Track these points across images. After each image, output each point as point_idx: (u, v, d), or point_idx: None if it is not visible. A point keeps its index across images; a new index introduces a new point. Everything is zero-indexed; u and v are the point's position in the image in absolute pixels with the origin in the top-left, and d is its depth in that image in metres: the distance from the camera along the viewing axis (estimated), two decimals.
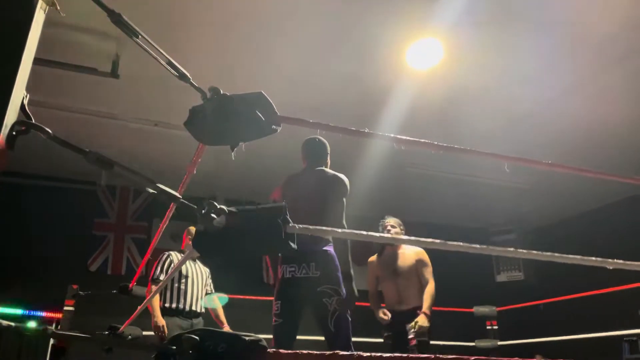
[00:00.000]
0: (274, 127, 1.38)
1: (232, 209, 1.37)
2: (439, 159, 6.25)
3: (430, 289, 3.71)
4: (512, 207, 7.80)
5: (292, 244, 1.38)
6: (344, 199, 2.67)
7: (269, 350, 1.29)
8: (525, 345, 5.63)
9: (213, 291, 4.23)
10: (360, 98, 4.95)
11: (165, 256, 4.00)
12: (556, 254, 1.42)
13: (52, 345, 4.35)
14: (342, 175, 2.75)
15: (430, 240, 1.39)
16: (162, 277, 3.78)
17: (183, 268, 3.84)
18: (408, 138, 1.49)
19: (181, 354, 1.14)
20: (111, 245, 7.11)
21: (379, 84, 4.71)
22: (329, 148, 2.97)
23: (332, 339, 2.35)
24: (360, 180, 6.60)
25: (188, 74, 1.34)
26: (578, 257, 1.43)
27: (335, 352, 1.20)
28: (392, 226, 4.02)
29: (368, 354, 1.25)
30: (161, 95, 4.87)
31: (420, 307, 3.66)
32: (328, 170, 2.83)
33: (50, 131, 0.99)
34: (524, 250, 1.47)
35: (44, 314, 5.54)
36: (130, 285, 3.73)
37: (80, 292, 4.52)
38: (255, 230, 1.34)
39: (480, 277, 8.15)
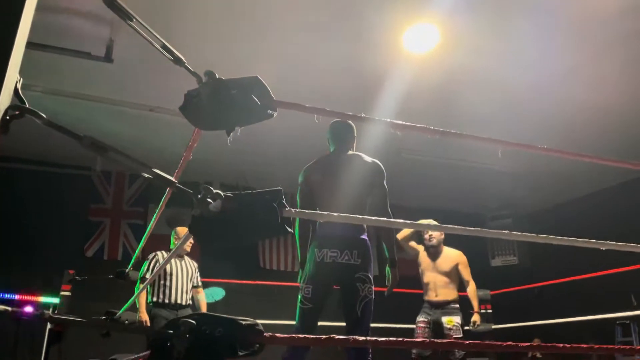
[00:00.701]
0: (270, 111, 1.37)
1: (228, 193, 1.36)
2: (434, 145, 6.25)
3: (473, 289, 4.40)
4: (508, 192, 7.83)
5: (288, 228, 1.39)
6: (386, 185, 2.63)
7: (265, 334, 1.30)
8: (519, 329, 5.69)
9: (199, 284, 4.46)
10: (357, 82, 4.93)
11: (152, 256, 4.29)
12: (550, 236, 1.43)
13: (49, 330, 4.37)
14: (378, 162, 2.71)
15: (425, 222, 1.40)
16: (147, 275, 4.05)
17: (168, 266, 4.10)
18: (404, 122, 1.49)
19: (178, 338, 1.15)
20: (107, 230, 7.11)
21: (376, 68, 4.69)
22: (355, 131, 2.88)
23: (355, 323, 2.40)
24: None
25: (183, 58, 1.33)
26: (572, 238, 1.44)
27: (331, 336, 1.21)
28: (434, 231, 4.41)
29: (363, 338, 1.26)
30: (156, 80, 4.83)
31: (451, 302, 4.28)
32: (364, 155, 2.76)
33: (44, 116, 0.98)
34: (518, 232, 1.48)
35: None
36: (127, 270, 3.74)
37: (77, 278, 4.53)
38: (252, 215, 1.34)
39: (475, 262, 8.14)
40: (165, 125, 5.59)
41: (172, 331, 1.16)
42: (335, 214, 1.53)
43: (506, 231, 1.43)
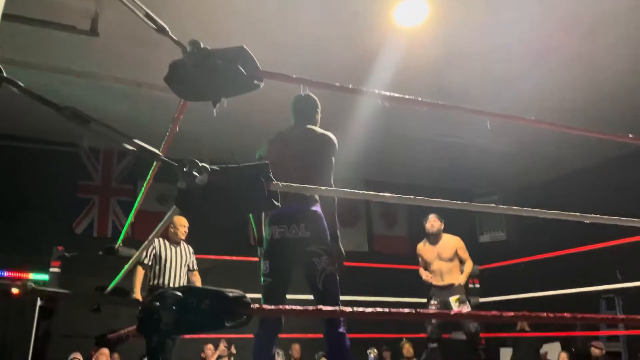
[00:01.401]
0: (256, 82, 1.35)
1: (215, 167, 1.35)
2: (424, 122, 6.24)
3: (470, 265, 4.84)
4: (496, 169, 7.87)
5: (275, 201, 1.38)
6: (333, 158, 2.60)
7: (252, 305, 1.30)
8: (506, 302, 5.78)
9: (195, 268, 4.58)
10: (348, 56, 4.88)
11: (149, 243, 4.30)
12: (536, 209, 1.44)
13: (40, 306, 4.38)
14: (330, 134, 2.65)
15: (412, 197, 1.40)
16: (145, 261, 4.22)
17: (162, 253, 4.29)
18: (392, 94, 1.48)
19: (165, 310, 1.15)
20: (96, 207, 7.08)
21: (367, 42, 4.65)
22: (319, 105, 2.83)
23: (321, 297, 2.35)
24: (346, 142, 6.58)
25: (167, 27, 1.30)
26: (556, 212, 1.45)
27: (319, 307, 1.22)
28: (435, 220, 4.85)
29: (350, 309, 1.27)
30: (143, 55, 4.75)
31: (456, 284, 4.70)
32: (317, 128, 2.72)
33: (22, 84, 0.96)
34: (504, 206, 1.49)
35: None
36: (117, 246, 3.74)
37: (66, 254, 4.51)
38: (238, 188, 1.33)
39: (463, 238, 8.27)
40: (154, 101, 5.52)
41: (158, 303, 1.17)
42: (322, 187, 1.53)
43: (492, 204, 1.44)
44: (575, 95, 5.64)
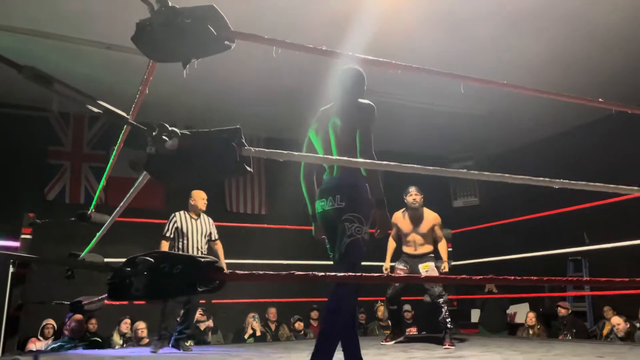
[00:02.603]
0: (227, 43, 1.31)
1: (185, 131, 1.32)
2: (399, 87, 6.22)
3: (444, 244, 4.99)
4: (470, 135, 7.95)
5: (247, 167, 1.36)
6: (369, 128, 2.52)
7: (225, 271, 1.30)
8: (477, 265, 5.94)
9: (217, 238, 4.79)
10: (324, 18, 4.79)
11: (172, 216, 4.63)
12: (505, 175, 1.45)
13: (12, 273, 4.31)
14: (367, 105, 2.58)
15: (385, 162, 1.40)
16: (167, 234, 4.53)
17: (183, 227, 4.56)
18: (366, 57, 1.45)
19: (136, 276, 1.14)
20: (68, 173, 6.93)
21: (342, 5, 4.57)
22: (358, 76, 2.69)
23: (339, 259, 2.40)
24: (321, 107, 6.55)
25: None
26: (526, 177, 1.47)
27: (291, 272, 1.22)
28: (417, 194, 4.86)
29: (322, 273, 1.28)
30: (112, 15, 4.58)
31: (427, 254, 4.83)
32: (354, 99, 2.63)
33: None
34: (475, 172, 1.50)
35: None
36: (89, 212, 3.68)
37: (37, 221, 4.42)
38: (209, 153, 1.31)
39: (438, 203, 8.38)
40: (124, 64, 5.36)
41: (129, 269, 1.15)
42: (295, 153, 1.52)
43: (464, 170, 1.45)
44: (551, 60, 5.67)
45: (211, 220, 4.83)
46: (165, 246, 4.46)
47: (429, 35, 5.12)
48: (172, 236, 4.53)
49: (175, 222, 4.59)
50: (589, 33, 5.13)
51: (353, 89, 2.65)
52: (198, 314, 6.13)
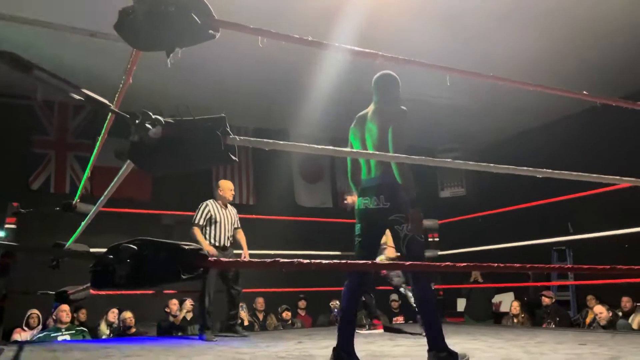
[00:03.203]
0: (211, 32, 1.31)
1: (169, 119, 1.32)
2: None
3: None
4: (458, 127, 7.99)
5: (232, 156, 1.36)
6: (398, 129, 2.64)
7: (210, 259, 1.30)
8: (463, 254, 5.99)
9: (239, 226, 4.90)
10: (312, 9, 4.77)
11: (203, 206, 4.71)
12: (491, 164, 1.47)
13: None
14: (398, 107, 2.74)
15: (371, 152, 1.41)
16: (200, 222, 4.60)
17: (215, 214, 4.67)
18: (353, 48, 1.45)
19: (119, 264, 1.14)
20: (53, 163, 6.86)
21: None
22: (392, 81, 2.85)
23: (406, 259, 2.65)
24: (313, 99, 6.54)
25: None
26: (510, 166, 1.49)
27: (276, 259, 1.23)
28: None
29: (307, 261, 1.28)
30: (98, 3, 4.51)
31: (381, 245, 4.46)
32: (387, 104, 2.79)
33: None
34: (461, 161, 1.51)
35: None
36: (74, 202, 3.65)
37: (22, 210, 4.38)
38: (194, 142, 1.31)
39: (425, 194, 8.46)
40: (110, 52, 5.30)
41: (112, 257, 1.15)
42: (285, 143, 1.52)
43: (449, 160, 1.46)
44: (538, 53, 5.71)
45: (235, 210, 4.96)
46: (198, 231, 4.55)
47: (417, 27, 5.12)
48: (204, 224, 4.62)
49: (209, 210, 4.67)
50: (574, 26, 5.16)
51: (386, 94, 2.82)
52: (189, 304, 6.14)
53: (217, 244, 4.63)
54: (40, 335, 5.27)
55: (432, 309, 2.63)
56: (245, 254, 4.78)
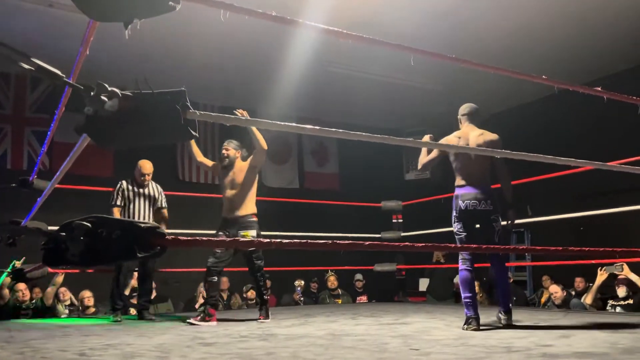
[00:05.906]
0: (171, 3, 1.26)
1: (127, 92, 1.28)
2: (359, 60, 6.20)
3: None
4: (427, 108, 8.03)
5: (192, 131, 1.33)
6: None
7: (167, 237, 1.28)
8: (427, 235, 6.09)
9: (165, 206, 4.83)
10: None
11: (117, 185, 4.67)
12: (450, 144, 1.48)
13: None
14: (493, 137, 3.61)
15: (334, 129, 1.40)
16: (118, 202, 4.57)
17: (130, 194, 4.61)
18: (323, 26, 1.43)
19: (72, 241, 1.10)
20: (9, 138, 6.60)
21: None
22: (467, 108, 3.96)
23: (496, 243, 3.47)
24: (280, 78, 6.46)
25: None
26: (469, 147, 1.51)
27: (236, 238, 1.22)
28: (226, 148, 4.40)
29: (267, 240, 1.28)
30: None
31: (247, 215, 4.26)
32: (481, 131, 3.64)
33: None
34: (420, 140, 1.52)
35: None
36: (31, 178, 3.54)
37: None
38: (152, 115, 1.27)
39: (390, 176, 8.56)
40: (68, 23, 5.09)
41: (65, 234, 1.12)
42: (248, 119, 1.50)
43: (410, 139, 1.47)
44: (510, 33, 5.75)
45: (160, 189, 4.83)
46: (117, 213, 4.48)
47: (387, 7, 5.09)
48: (122, 204, 4.56)
49: (122, 188, 4.62)
50: (549, 4, 5.19)
51: (466, 118, 3.82)
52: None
53: None
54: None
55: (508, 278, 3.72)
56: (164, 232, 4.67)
